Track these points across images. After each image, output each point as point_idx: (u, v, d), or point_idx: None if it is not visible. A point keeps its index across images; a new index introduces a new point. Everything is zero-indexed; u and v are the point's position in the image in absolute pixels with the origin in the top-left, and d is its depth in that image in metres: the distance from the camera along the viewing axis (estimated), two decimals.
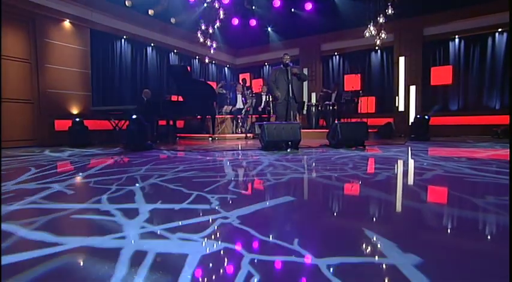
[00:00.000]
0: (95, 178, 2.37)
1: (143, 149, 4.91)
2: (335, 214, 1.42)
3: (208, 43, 8.51)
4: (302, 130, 7.97)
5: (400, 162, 2.96)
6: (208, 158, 3.64)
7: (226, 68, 12.53)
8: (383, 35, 7.04)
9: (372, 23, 6.72)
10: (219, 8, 7.65)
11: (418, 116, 7.12)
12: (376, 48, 9.65)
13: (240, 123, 8.67)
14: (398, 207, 1.47)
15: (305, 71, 10.60)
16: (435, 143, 5.80)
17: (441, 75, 8.81)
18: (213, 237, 1.13)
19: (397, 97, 9.31)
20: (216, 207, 1.50)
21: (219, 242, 1.07)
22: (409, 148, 4.61)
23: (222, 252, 1.00)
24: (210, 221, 1.31)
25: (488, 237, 1.11)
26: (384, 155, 3.57)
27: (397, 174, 2.28)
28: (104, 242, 1.08)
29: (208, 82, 10.97)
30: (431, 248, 1.01)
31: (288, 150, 4.35)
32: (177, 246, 1.05)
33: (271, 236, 1.12)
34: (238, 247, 1.03)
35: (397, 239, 1.06)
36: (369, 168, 2.60)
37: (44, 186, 2.05)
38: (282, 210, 1.48)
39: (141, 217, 1.37)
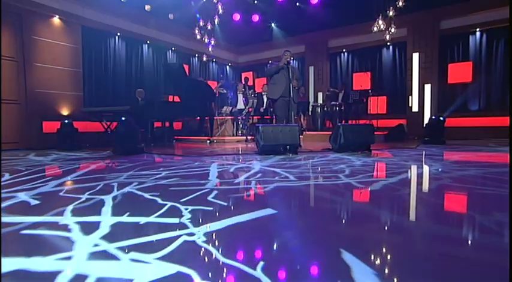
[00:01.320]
0: (68, 186, 2.33)
1: (133, 153, 4.88)
2: (314, 232, 1.33)
3: (206, 40, 8.48)
4: (306, 132, 8.06)
5: (403, 170, 2.86)
6: (196, 163, 3.61)
7: (228, 67, 12.51)
8: (393, 30, 6.91)
9: (380, 17, 6.59)
10: (218, 2, 7.62)
11: (433, 117, 6.96)
12: (388, 44, 9.51)
13: (241, 125, 8.61)
14: (387, 226, 1.38)
15: (311, 69, 10.54)
16: (451, 146, 5.65)
17: (460, 73, 8.60)
18: (168, 258, 1.06)
19: (410, 97, 9.15)
20: (186, 222, 1.43)
21: (173, 265, 1.00)
22: (420, 153, 4.48)
23: (172, 278, 0.93)
24: (173, 237, 1.25)
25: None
26: (388, 161, 3.46)
27: (394, 184, 2.18)
28: (43, 264, 1.02)
29: (209, 81, 11.04)
30: (414, 277, 0.93)
31: (286, 154, 4.27)
32: (125, 269, 0.98)
33: (234, 258, 1.05)
34: (192, 272, 0.96)
35: (376, 265, 0.98)
36: (366, 176, 2.50)
37: (9, 195, 2.01)
38: (257, 225, 1.40)
39: (99, 232, 1.31)
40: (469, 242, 1.18)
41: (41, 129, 6.34)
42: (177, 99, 8.32)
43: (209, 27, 8.14)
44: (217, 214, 1.56)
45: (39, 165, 3.63)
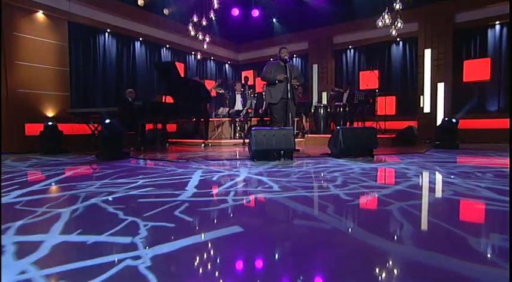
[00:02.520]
0: (31, 196, 2.27)
1: (118, 158, 4.83)
2: (280, 257, 1.23)
3: (200, 37, 8.43)
4: (308, 135, 7.95)
5: (401, 180, 2.75)
6: (181, 169, 3.55)
7: (227, 65, 12.48)
8: (399, 24, 6.77)
9: (386, 10, 6.46)
10: None
11: (445, 119, 6.80)
12: (397, 39, 9.38)
13: (238, 127, 8.53)
14: (368, 248, 1.27)
15: (315, 67, 10.43)
16: (465, 151, 5.49)
17: (476, 70, 8.38)
18: None
19: (422, 96, 9.01)
20: (138, 241, 1.34)
21: None
22: (427, 159, 4.35)
23: None
24: (116, 261, 1.15)
25: None
26: (388, 169, 3.34)
27: (385, 197, 2.07)
28: None
29: (207, 81, 10.99)
30: None
31: (280, 160, 4.18)
32: None
33: None
34: None
35: None
36: (358, 187, 2.39)
37: None
38: (216, 247, 1.30)
39: (35, 256, 1.22)
40: None
41: (24, 131, 6.32)
42: (171, 100, 8.28)
43: (204, 23, 8.06)
44: (177, 232, 1.47)
45: (13, 171, 3.57)
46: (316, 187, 2.44)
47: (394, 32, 7.14)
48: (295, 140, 7.89)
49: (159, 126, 7.96)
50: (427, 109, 8.96)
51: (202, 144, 7.57)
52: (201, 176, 3.05)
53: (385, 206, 1.81)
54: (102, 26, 8.00)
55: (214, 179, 2.92)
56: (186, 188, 2.47)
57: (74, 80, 7.45)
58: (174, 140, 8.85)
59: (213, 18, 8.86)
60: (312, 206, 1.90)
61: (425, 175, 2.88)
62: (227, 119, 8.90)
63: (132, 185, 2.65)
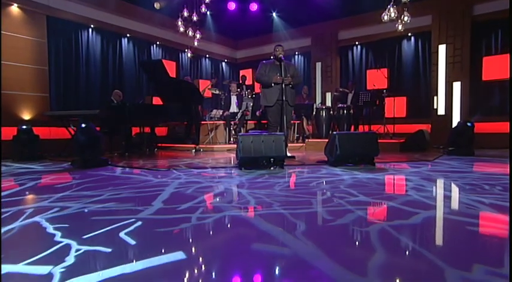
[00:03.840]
0: None
1: (94, 166, 4.75)
2: None
3: (190, 33, 8.35)
4: (309, 140, 7.82)
5: (397, 193, 2.62)
6: (157, 179, 3.47)
7: (223, 63, 12.42)
8: (406, 18, 6.63)
9: (392, 3, 6.32)
10: None
11: (460, 122, 6.62)
12: (409, 34, 9.23)
13: (233, 131, 8.42)
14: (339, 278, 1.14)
15: (318, 65, 10.32)
16: (480, 158, 5.31)
17: (497, 67, 8.15)
18: None
19: (435, 97, 8.83)
20: (58, 272, 1.23)
21: None
22: (434, 168, 4.21)
23: None
24: None
25: None
26: (383, 181, 3.21)
27: (370, 214, 1.94)
28: None
29: (201, 81, 10.93)
30: None
31: (269, 169, 4.07)
32: None
33: None
34: None
35: None
36: (344, 202, 2.27)
37: None
38: (145, 278, 1.18)
39: None
40: None
41: None
42: (159, 101, 8.22)
43: (195, 18, 7.99)
44: (108, 259, 1.35)
45: None
46: (297, 202, 2.32)
47: (400, 27, 6.99)
48: (297, 144, 7.99)
49: (147, 129, 7.90)
50: (441, 111, 8.77)
51: (193, 150, 7.49)
52: (176, 188, 2.96)
53: (364, 227, 1.68)
54: (85, 21, 7.95)
55: (188, 191, 2.82)
56: (152, 203, 2.37)
57: (53, 80, 7.40)
58: (163, 144, 8.79)
59: (208, 12, 8.81)
60: (282, 226, 1.77)
61: (425, 188, 2.73)
62: (222, 122, 8.80)
63: (95, 198, 2.56)
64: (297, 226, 1.74)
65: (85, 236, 1.64)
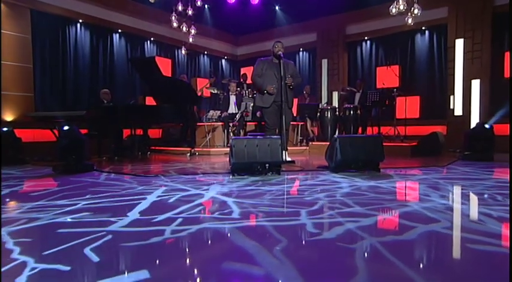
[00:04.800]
0: None
1: (78, 171, 4.75)
2: None
3: (184, 29, 8.36)
4: (313, 143, 7.77)
5: (396, 204, 2.57)
6: (141, 187, 3.49)
7: (223, 60, 12.45)
8: (416, 11, 6.56)
9: None
10: None
11: (479, 124, 6.53)
12: (423, 28, 9.16)
13: (232, 134, 8.40)
14: None
15: (324, 62, 10.29)
16: (499, 164, 5.22)
17: None
18: None
19: (452, 96, 8.75)
20: None
21: None
22: (445, 174, 4.16)
23: None
24: None
25: None
26: (384, 189, 3.16)
27: (360, 228, 1.90)
28: None
29: (200, 79, 10.95)
30: None
31: (264, 175, 4.06)
32: None
33: None
34: None
35: None
36: (336, 213, 2.23)
37: None
38: None
39: None
40: None
41: None
42: (152, 101, 8.23)
43: (190, 12, 8.00)
44: (66, 279, 1.33)
45: None
46: (285, 213, 2.30)
47: (410, 21, 6.93)
48: (300, 147, 7.95)
49: (139, 131, 7.90)
50: (458, 111, 8.68)
51: (188, 154, 7.48)
52: (158, 197, 2.95)
53: (351, 243, 1.64)
54: (73, 16, 8.00)
55: (171, 200, 2.81)
56: (128, 214, 2.36)
57: (38, 79, 7.45)
58: (157, 148, 8.79)
59: (206, 6, 8.82)
60: (262, 241, 1.74)
61: (429, 198, 2.68)
62: (220, 123, 8.79)
63: (68, 208, 2.55)
64: (277, 241, 1.70)
65: (46, 252, 1.61)
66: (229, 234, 1.87)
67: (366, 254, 1.49)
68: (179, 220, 2.16)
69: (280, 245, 1.63)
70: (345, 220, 2.03)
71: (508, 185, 3.27)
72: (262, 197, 2.81)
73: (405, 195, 2.85)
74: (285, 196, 2.89)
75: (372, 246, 1.59)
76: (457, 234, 1.81)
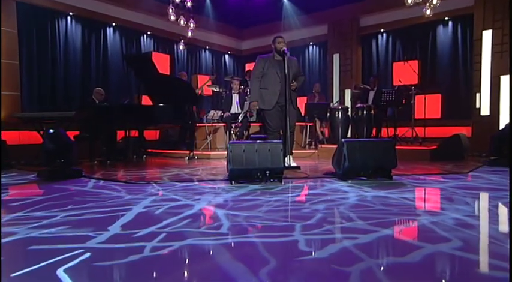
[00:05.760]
0: None
1: (65, 178, 4.78)
2: None
3: (182, 22, 8.38)
4: (322, 146, 7.74)
5: (404, 217, 2.56)
6: (129, 196, 3.51)
7: (226, 56, 12.47)
8: (435, 1, 6.48)
9: None
10: None
11: (506, 125, 6.44)
12: (446, 18, 9.04)
13: (234, 136, 8.40)
14: None
15: (336, 57, 10.24)
16: None
17: None
18: None
19: (478, 94, 8.63)
20: None
21: None
22: (466, 183, 4.12)
23: None
24: None
25: None
26: (397, 200, 3.11)
27: (359, 247, 1.87)
28: None
29: (200, 76, 10.96)
30: None
31: (264, 183, 4.06)
32: None
33: None
34: None
35: None
36: (334, 228, 2.21)
37: None
38: None
39: None
40: None
41: None
42: (148, 101, 8.27)
43: (189, 3, 8.02)
44: None
45: None
46: (278, 228, 2.28)
47: (428, 12, 6.86)
48: (309, 151, 7.90)
49: (134, 133, 7.95)
50: (485, 111, 8.55)
51: (186, 157, 7.50)
52: (145, 208, 2.96)
53: (346, 266, 1.60)
54: (63, 8, 8.07)
55: (157, 212, 2.81)
56: (109, 228, 2.36)
57: (25, 77, 7.52)
58: (154, 150, 8.84)
59: None
60: (247, 261, 1.72)
61: (442, 212, 2.63)
62: (222, 124, 8.80)
63: (46, 221, 2.56)
64: (263, 261, 1.68)
65: (14, 274, 1.61)
66: (212, 253, 1.85)
67: (359, 279, 1.46)
68: (162, 235, 2.15)
69: (266, 266, 1.61)
70: (343, 236, 2.01)
71: None
72: (258, 209, 2.80)
73: (416, 208, 2.80)
74: (283, 208, 2.88)
75: (368, 270, 1.55)
76: (470, 256, 1.76)
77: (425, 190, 3.62)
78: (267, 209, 2.81)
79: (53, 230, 2.32)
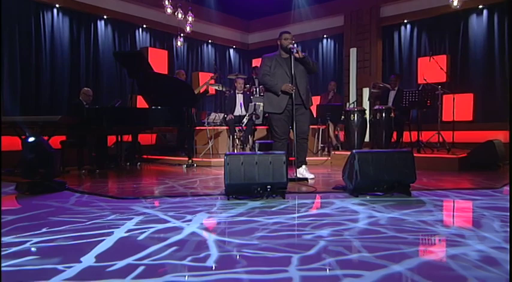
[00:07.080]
0: None
1: (46, 191, 4.80)
2: None
3: (179, 15, 8.38)
4: (335, 152, 7.67)
5: (422, 247, 2.59)
6: (113, 215, 3.50)
7: (231, 50, 12.47)
8: None
9: None
10: None
11: None
12: (479, 7, 8.89)
13: (238, 142, 8.36)
14: None
15: (353, 52, 10.18)
16: None
17: None
18: None
19: None
20: None
21: None
22: (498, 201, 4.04)
23: None
24: None
25: None
26: (413, 224, 3.04)
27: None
28: None
29: (202, 73, 10.96)
30: None
31: (268, 198, 4.05)
32: None
33: None
34: None
35: None
36: (336, 262, 2.16)
37: None
38: None
39: None
40: None
41: None
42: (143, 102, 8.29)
43: None
44: None
45: None
46: (272, 260, 2.22)
47: (456, 3, 6.74)
48: (321, 158, 7.83)
49: (126, 138, 7.96)
50: None
51: (185, 165, 7.51)
52: (127, 232, 2.94)
53: None
54: (49, 0, 8.11)
55: (141, 237, 2.79)
56: (82, 259, 2.33)
57: (6, 76, 7.57)
58: (150, 156, 8.90)
59: None
60: None
61: (464, 241, 2.54)
62: (225, 127, 8.80)
63: (13, 249, 2.53)
64: None
65: None
66: None
67: None
68: (140, 269, 2.11)
69: None
70: (342, 273, 1.95)
71: None
72: (253, 234, 2.76)
73: (433, 236, 2.72)
74: (281, 233, 2.83)
75: None
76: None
77: (447, 211, 3.55)
78: (262, 234, 2.78)
79: (17, 261, 2.29)
